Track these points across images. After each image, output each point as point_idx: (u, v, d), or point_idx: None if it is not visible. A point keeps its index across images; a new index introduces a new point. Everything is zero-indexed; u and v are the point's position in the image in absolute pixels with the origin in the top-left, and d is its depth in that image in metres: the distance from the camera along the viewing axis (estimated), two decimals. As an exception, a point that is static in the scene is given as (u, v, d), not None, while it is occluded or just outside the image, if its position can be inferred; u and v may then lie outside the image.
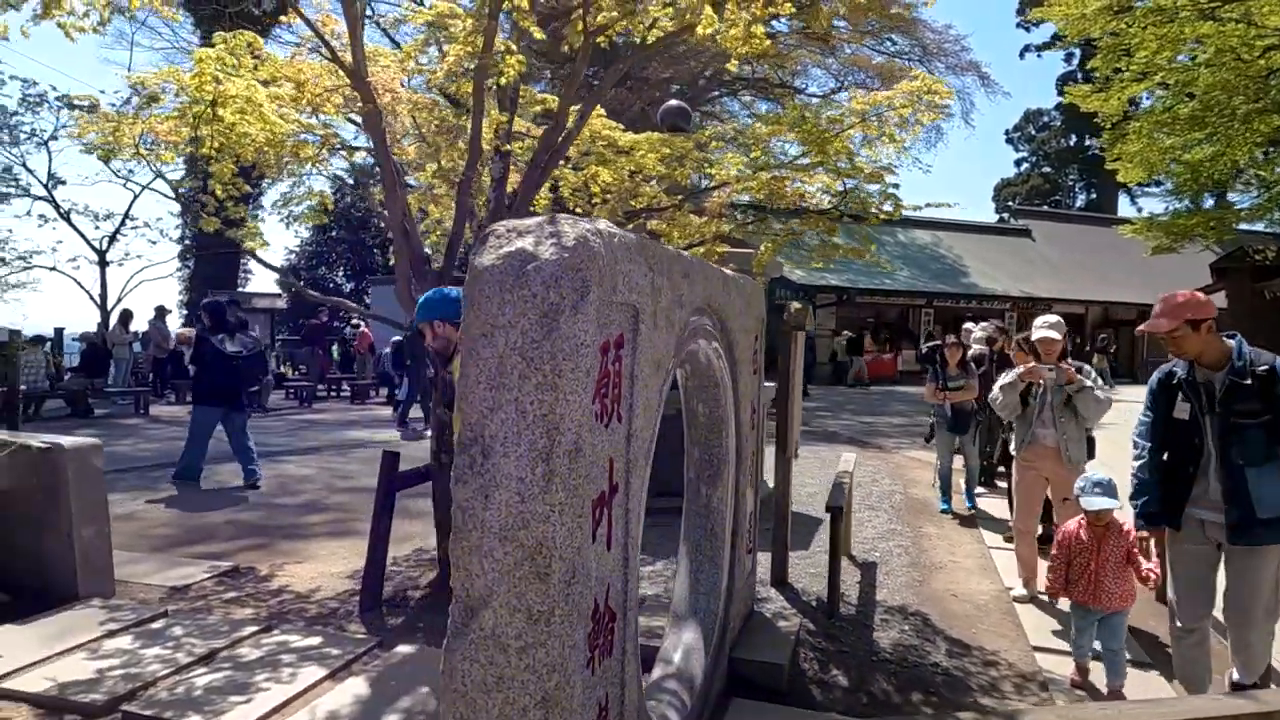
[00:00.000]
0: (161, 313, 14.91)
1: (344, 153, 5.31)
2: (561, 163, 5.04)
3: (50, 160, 15.90)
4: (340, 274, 30.22)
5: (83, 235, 16.55)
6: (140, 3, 3.19)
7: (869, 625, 4.26)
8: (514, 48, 4.01)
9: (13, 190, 14.00)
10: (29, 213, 15.36)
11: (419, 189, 6.00)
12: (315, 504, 6.89)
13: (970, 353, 7.44)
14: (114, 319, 15.24)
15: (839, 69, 16.29)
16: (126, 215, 17.08)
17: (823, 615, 4.30)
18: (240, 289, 21.27)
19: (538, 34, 4.04)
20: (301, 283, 28.31)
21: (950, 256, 28.42)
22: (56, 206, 15.48)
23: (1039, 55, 46.50)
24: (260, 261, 4.85)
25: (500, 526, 1.70)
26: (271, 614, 4.29)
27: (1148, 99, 16.79)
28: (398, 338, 15.13)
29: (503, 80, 4.14)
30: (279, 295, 18.26)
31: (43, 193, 15.37)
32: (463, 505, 1.74)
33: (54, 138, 15.51)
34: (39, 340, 11.76)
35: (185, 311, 17.71)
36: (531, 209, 4.37)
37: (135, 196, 17.09)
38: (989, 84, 18.84)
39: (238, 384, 7.69)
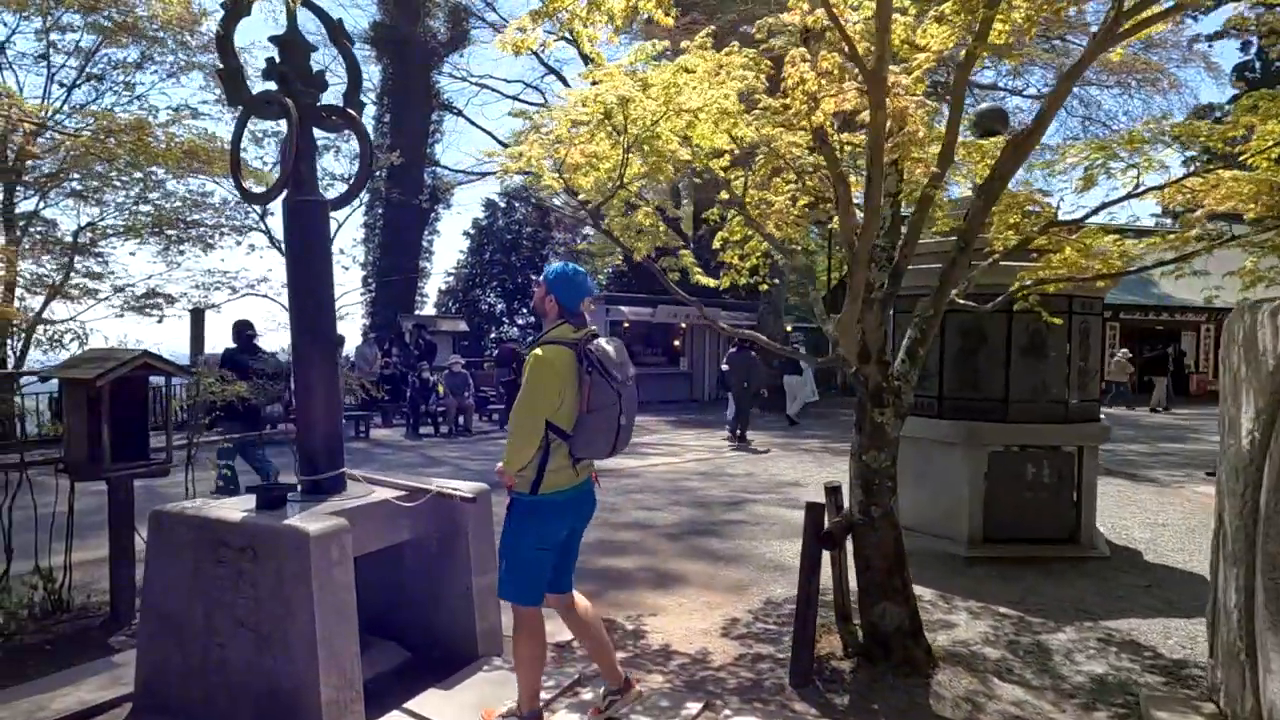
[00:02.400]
0: (365, 336, 15.27)
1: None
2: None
3: (268, 192, 16.61)
4: (492, 294, 30.79)
5: (290, 264, 17.23)
6: (653, 8, 2.85)
7: None
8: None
9: (249, 222, 14.74)
10: (238, 243, 16.11)
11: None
12: (607, 544, 6.52)
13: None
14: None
15: (1064, 67, 15.05)
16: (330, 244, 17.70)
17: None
18: (416, 312, 21.84)
19: (1019, 11, 3.48)
20: (457, 306, 28.98)
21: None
22: (270, 236, 16.20)
23: (1209, 45, 42.77)
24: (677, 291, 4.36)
25: None
26: (685, 683, 3.86)
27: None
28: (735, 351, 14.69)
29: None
30: (460, 318, 18.59)
31: (255, 223, 16.13)
32: None
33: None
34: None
35: (372, 334, 18.15)
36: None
37: (339, 226, 17.76)
38: (1216, 74, 17.09)
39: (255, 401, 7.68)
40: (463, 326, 20.05)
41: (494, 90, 30.21)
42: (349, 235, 21.55)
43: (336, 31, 3.97)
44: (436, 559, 4.06)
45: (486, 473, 9.88)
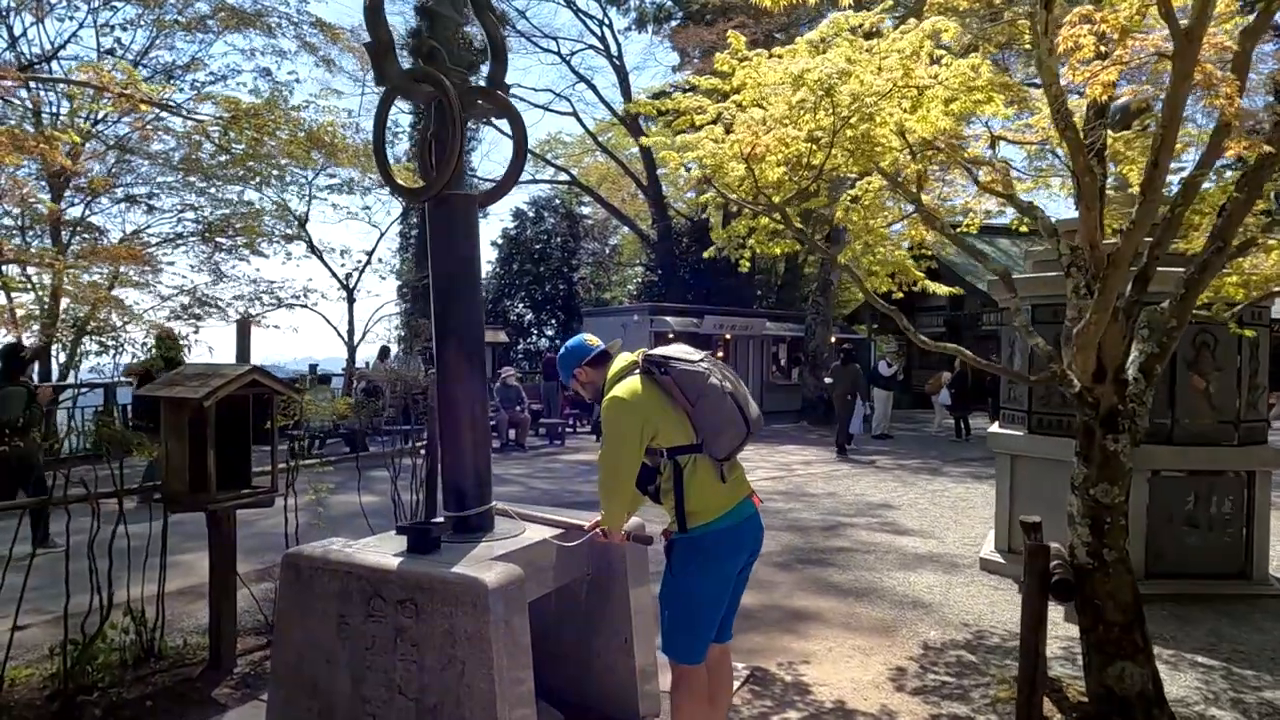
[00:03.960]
0: (405, 348, 14.89)
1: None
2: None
3: (310, 201, 16.30)
4: (520, 304, 30.35)
5: (333, 273, 16.92)
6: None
7: None
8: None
9: (292, 230, 14.35)
10: (279, 250, 15.75)
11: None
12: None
13: None
14: (361, 354, 15.34)
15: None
16: (372, 252, 17.50)
17: None
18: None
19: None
20: (486, 316, 28.50)
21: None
22: (311, 245, 15.82)
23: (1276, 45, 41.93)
24: (879, 304, 3.78)
25: None
26: (886, 753, 3.33)
27: None
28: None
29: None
30: (500, 329, 18.18)
31: (295, 232, 15.71)
32: None
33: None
34: (325, 379, 11.72)
35: (416, 347, 17.75)
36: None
37: (382, 234, 17.45)
38: None
39: None
40: (503, 337, 19.59)
41: (523, 100, 29.96)
42: (386, 245, 21.19)
43: (481, 3, 3.51)
44: (588, 607, 3.56)
45: (557, 491, 9.39)
